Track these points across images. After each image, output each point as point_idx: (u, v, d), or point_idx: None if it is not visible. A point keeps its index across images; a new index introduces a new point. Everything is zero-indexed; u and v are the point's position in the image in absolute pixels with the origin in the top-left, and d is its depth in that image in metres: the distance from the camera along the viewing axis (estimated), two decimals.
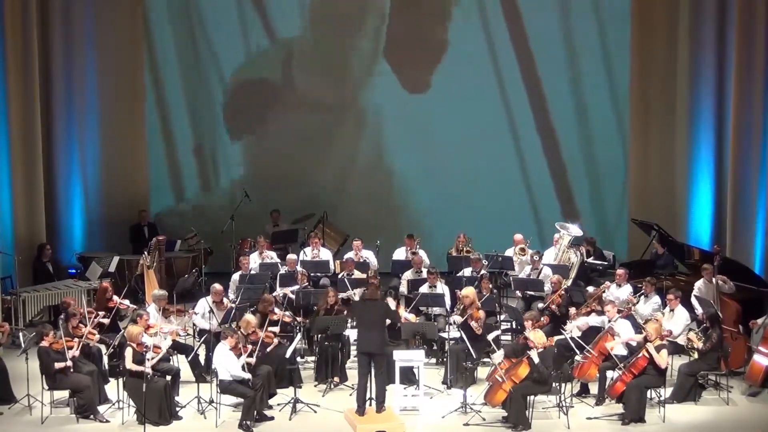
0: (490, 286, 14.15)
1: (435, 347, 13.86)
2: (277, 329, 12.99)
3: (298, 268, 15.13)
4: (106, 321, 13.37)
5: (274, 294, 14.28)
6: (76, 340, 12.21)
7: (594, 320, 12.98)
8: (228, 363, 11.79)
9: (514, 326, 14.34)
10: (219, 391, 11.92)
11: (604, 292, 13.68)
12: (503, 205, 18.92)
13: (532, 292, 14.75)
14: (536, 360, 11.65)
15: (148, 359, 11.80)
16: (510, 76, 18.78)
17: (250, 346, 12.07)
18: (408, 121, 18.81)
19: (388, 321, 12.37)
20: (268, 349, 12.54)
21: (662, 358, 11.85)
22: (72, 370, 11.91)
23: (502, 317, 14.55)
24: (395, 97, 18.74)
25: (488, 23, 18.64)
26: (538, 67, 18.79)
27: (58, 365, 11.87)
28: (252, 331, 12.39)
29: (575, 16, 18.67)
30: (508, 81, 18.81)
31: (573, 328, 13.02)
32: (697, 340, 12.64)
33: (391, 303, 13.29)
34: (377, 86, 18.81)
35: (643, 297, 13.80)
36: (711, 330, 12.59)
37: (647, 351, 11.86)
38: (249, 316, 12.67)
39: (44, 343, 11.99)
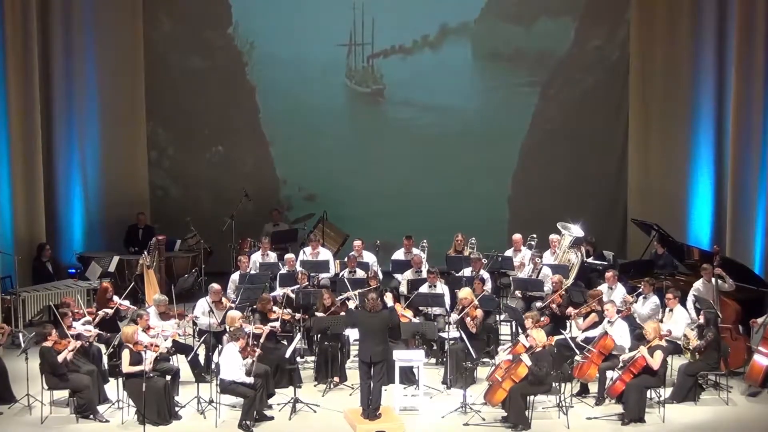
0: (483, 287, 14.10)
1: (435, 347, 13.86)
2: (276, 324, 13.00)
3: (298, 267, 15.14)
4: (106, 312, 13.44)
5: (273, 294, 14.29)
6: (74, 342, 12.20)
7: (595, 332, 12.89)
8: (232, 367, 11.80)
9: (514, 327, 14.35)
10: (219, 391, 11.93)
11: (601, 296, 13.55)
12: (502, 204, 18.96)
13: (532, 293, 14.73)
14: (528, 363, 11.66)
15: (146, 359, 11.78)
16: (509, 76, 18.80)
17: (257, 350, 12.07)
18: (407, 120, 18.89)
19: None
20: (261, 339, 12.54)
21: (655, 360, 11.84)
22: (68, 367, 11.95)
23: (502, 317, 14.56)
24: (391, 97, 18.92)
25: (487, 25, 18.73)
26: (538, 66, 18.82)
27: (60, 357, 11.88)
28: (238, 326, 12.39)
29: (576, 17, 18.70)
30: (507, 80, 18.83)
31: (577, 333, 13.00)
32: (693, 339, 12.65)
33: (389, 300, 13.29)
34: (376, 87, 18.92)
35: (641, 298, 13.78)
36: (706, 329, 12.60)
37: (642, 352, 11.88)
38: (232, 312, 12.72)
39: (47, 343, 11.99)
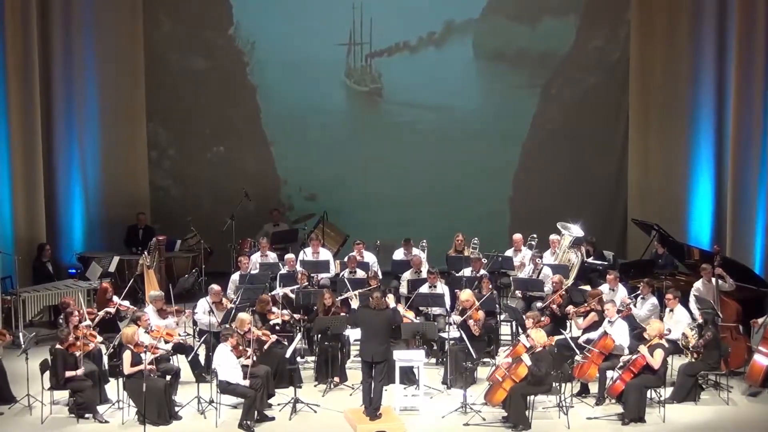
0: (490, 286, 14.13)
1: (435, 347, 13.86)
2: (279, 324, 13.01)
3: (298, 267, 15.14)
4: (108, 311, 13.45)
5: (273, 293, 14.29)
6: (81, 343, 12.19)
7: (596, 333, 12.87)
8: (227, 369, 11.80)
9: (514, 326, 14.35)
10: (219, 391, 11.93)
11: (601, 296, 13.52)
12: (503, 204, 18.96)
13: (532, 293, 14.73)
14: (528, 363, 11.67)
15: (145, 359, 11.77)
16: (510, 76, 18.81)
17: (249, 350, 12.06)
18: (408, 120, 18.90)
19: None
20: (265, 347, 12.55)
21: (655, 360, 11.84)
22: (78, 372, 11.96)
23: (502, 317, 14.56)
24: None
25: (487, 27, 18.75)
26: (539, 66, 18.83)
27: (69, 374, 11.87)
28: (247, 330, 12.40)
29: (576, 17, 18.71)
30: (507, 80, 18.84)
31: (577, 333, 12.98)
32: (692, 338, 12.65)
33: (391, 301, 13.29)
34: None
35: (640, 299, 13.77)
36: (705, 328, 12.60)
37: (642, 351, 11.88)
38: (243, 315, 12.67)
39: (60, 345, 11.97)
